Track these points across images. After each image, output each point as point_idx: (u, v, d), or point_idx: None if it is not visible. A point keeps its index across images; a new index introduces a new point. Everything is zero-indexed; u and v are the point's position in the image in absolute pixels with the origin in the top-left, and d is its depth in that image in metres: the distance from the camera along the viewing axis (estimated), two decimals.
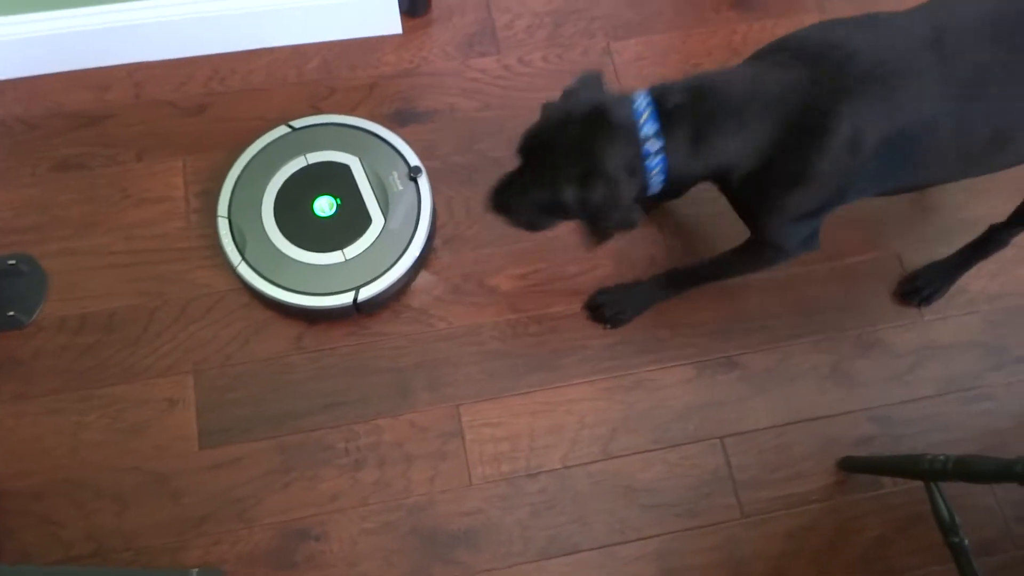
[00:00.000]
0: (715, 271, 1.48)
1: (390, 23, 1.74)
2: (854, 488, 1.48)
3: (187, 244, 1.56)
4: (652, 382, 1.52)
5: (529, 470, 1.46)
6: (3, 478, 1.40)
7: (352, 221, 1.50)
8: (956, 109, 1.09)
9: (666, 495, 1.45)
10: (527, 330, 1.54)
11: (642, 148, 1.11)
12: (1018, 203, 1.42)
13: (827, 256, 1.61)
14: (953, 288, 1.60)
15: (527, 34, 1.78)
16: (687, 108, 1.11)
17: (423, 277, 1.57)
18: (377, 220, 1.50)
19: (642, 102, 1.12)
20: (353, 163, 1.54)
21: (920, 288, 1.59)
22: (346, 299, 1.45)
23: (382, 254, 1.48)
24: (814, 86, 1.08)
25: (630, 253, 1.60)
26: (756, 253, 1.36)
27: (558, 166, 1.13)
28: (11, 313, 1.49)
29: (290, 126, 1.57)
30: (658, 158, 1.12)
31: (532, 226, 1.27)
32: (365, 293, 1.46)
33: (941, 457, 1.21)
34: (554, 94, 1.69)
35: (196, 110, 1.66)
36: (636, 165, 1.12)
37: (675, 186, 1.19)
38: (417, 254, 1.49)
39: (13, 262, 1.52)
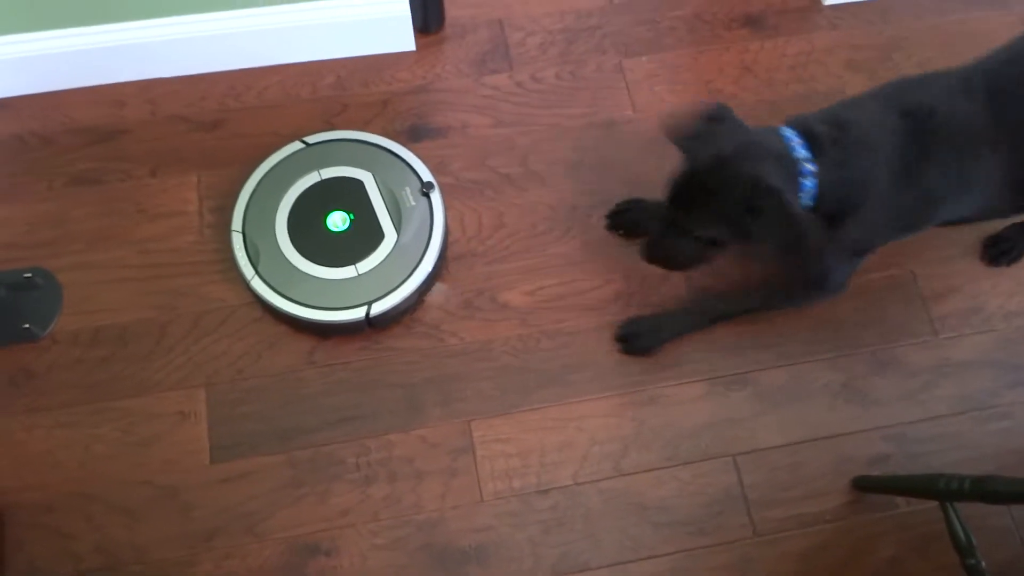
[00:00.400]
0: (752, 304, 1.52)
1: (404, 40, 1.75)
2: (868, 508, 1.46)
3: (200, 258, 1.57)
4: (664, 399, 1.51)
5: (540, 486, 1.45)
6: (14, 490, 1.40)
7: (365, 236, 1.50)
8: (1008, 157, 1.24)
9: (678, 513, 1.44)
10: (539, 346, 1.54)
11: (799, 167, 1.20)
12: None
13: None
14: (969, 305, 1.59)
15: (540, 51, 1.79)
16: (830, 138, 1.22)
17: (435, 292, 1.57)
18: (390, 235, 1.51)
19: (788, 131, 1.23)
20: (366, 178, 1.54)
21: (1007, 250, 1.60)
22: (358, 314, 1.46)
23: (394, 269, 1.49)
24: (909, 137, 1.23)
25: (641, 269, 1.60)
26: (797, 290, 1.47)
27: (725, 198, 1.19)
28: (26, 326, 1.50)
29: (304, 142, 1.58)
30: (811, 180, 1.21)
31: (691, 265, 1.37)
32: (377, 308, 1.46)
33: (957, 477, 1.20)
34: (566, 110, 1.72)
35: (211, 126, 1.68)
36: (795, 185, 1.20)
37: (814, 211, 1.25)
38: (429, 269, 1.49)
39: (29, 275, 1.53)
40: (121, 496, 1.41)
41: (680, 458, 1.48)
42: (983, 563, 1.20)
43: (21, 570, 1.36)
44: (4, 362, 1.49)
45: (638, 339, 1.52)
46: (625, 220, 1.62)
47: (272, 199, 1.53)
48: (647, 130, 1.72)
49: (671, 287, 1.59)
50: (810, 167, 1.21)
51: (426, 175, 1.55)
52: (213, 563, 1.38)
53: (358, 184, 1.54)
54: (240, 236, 1.49)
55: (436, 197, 1.54)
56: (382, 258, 1.49)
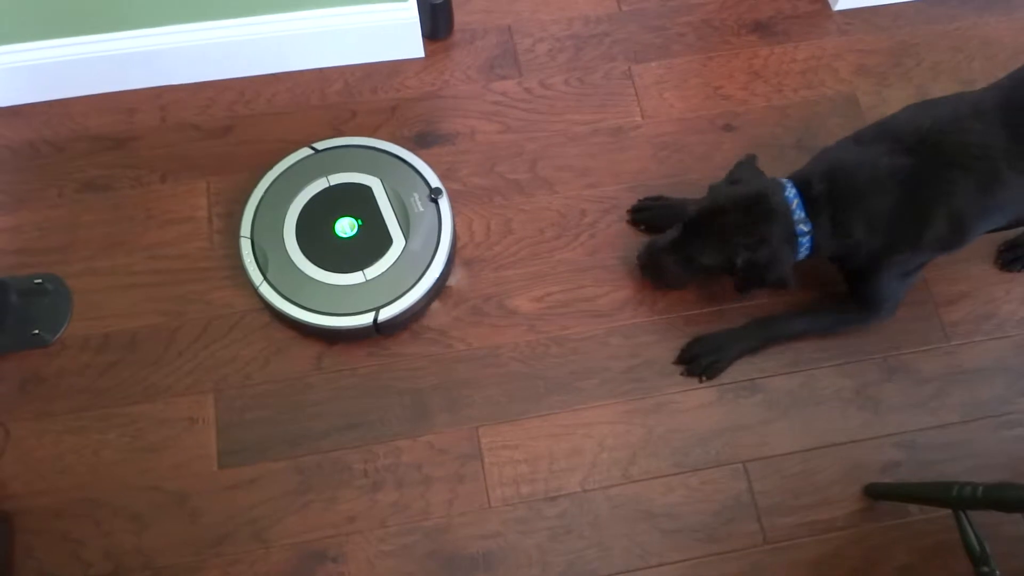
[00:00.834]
0: (811, 327, 1.55)
1: (412, 47, 1.76)
2: (880, 515, 1.45)
3: (209, 264, 1.57)
4: (673, 405, 1.50)
5: (548, 493, 1.44)
6: (23, 496, 1.41)
7: (373, 242, 1.51)
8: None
9: (687, 520, 1.43)
10: (547, 352, 1.53)
11: (795, 228, 1.37)
12: None
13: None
14: (981, 311, 1.58)
15: (548, 57, 1.79)
16: (826, 196, 1.36)
17: (442, 298, 1.57)
18: (398, 241, 1.51)
19: (791, 190, 1.38)
20: (375, 184, 1.55)
21: (1022, 255, 1.61)
22: (366, 320, 1.45)
23: (402, 275, 1.49)
24: (917, 172, 1.32)
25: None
26: (855, 314, 1.53)
27: (730, 235, 1.38)
28: (36, 331, 1.50)
29: (313, 148, 1.58)
30: (807, 237, 1.38)
31: (676, 285, 1.56)
32: (385, 314, 1.46)
33: (970, 485, 1.18)
34: (575, 116, 1.72)
35: (220, 132, 1.68)
36: (791, 240, 1.38)
37: (816, 258, 1.43)
38: (437, 275, 1.49)
39: (39, 281, 1.54)
40: (129, 502, 1.41)
41: (689, 465, 1.47)
42: (997, 572, 1.18)
43: (30, 575, 1.36)
44: (14, 367, 1.49)
45: (700, 360, 1.52)
46: (648, 216, 1.62)
47: (281, 205, 1.53)
48: (656, 136, 1.72)
49: (680, 293, 1.58)
50: (805, 228, 1.37)
51: (434, 181, 1.55)
52: (220, 569, 1.38)
53: (366, 190, 1.54)
54: (248, 242, 1.50)
55: (444, 203, 1.54)
56: (390, 264, 1.49)
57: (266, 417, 1.47)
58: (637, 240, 1.62)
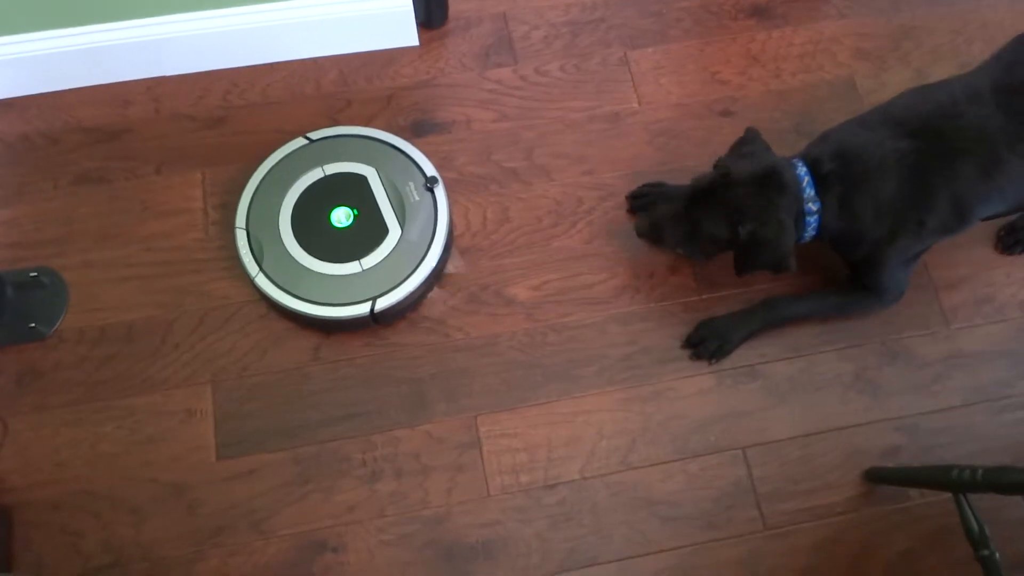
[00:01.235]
0: (818, 309, 1.54)
1: (407, 35, 1.75)
2: (881, 500, 1.44)
3: (205, 256, 1.57)
4: (672, 392, 1.50)
5: (547, 481, 1.44)
6: (21, 489, 1.41)
7: (369, 232, 1.50)
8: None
9: (686, 507, 1.43)
10: (545, 340, 1.53)
11: (804, 206, 1.36)
12: None
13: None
14: (981, 295, 1.57)
15: (544, 44, 1.78)
16: (836, 176, 1.35)
17: (439, 287, 1.56)
18: (394, 230, 1.50)
19: (801, 168, 1.37)
20: (370, 174, 1.54)
21: (1022, 239, 1.60)
22: (363, 309, 1.45)
23: (399, 264, 1.48)
24: (920, 157, 1.32)
25: (648, 262, 1.59)
26: (860, 299, 1.52)
27: (738, 206, 1.35)
28: (32, 325, 1.50)
29: (307, 138, 1.57)
30: (815, 217, 1.37)
31: (678, 247, 1.50)
32: (382, 303, 1.45)
33: (970, 468, 1.18)
34: (571, 103, 1.71)
35: (215, 123, 1.67)
36: (799, 219, 1.36)
37: (818, 240, 1.42)
38: (434, 264, 1.49)
39: (35, 274, 1.54)
40: (128, 494, 1.41)
41: (689, 451, 1.46)
42: (997, 554, 1.18)
43: (30, 568, 1.37)
44: (11, 361, 1.49)
45: (707, 343, 1.51)
46: (646, 203, 1.61)
47: (276, 196, 1.52)
48: (653, 122, 1.70)
49: (679, 279, 1.58)
50: (813, 207, 1.36)
51: (430, 170, 1.54)
52: (220, 560, 1.37)
53: (362, 180, 1.54)
54: (244, 233, 1.49)
55: (440, 192, 1.53)
56: (386, 253, 1.49)
57: (264, 408, 1.47)
58: (633, 228, 1.61)
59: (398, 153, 1.57)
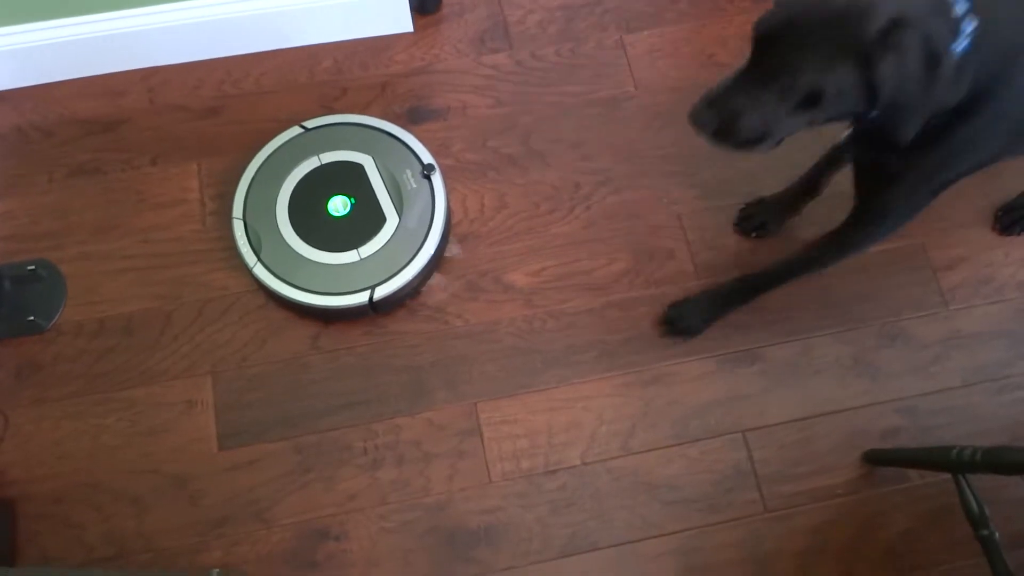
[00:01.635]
0: (795, 268, 1.40)
1: (401, 21, 1.74)
2: (880, 482, 1.45)
3: (203, 247, 1.57)
4: (671, 377, 1.50)
5: (548, 467, 1.44)
6: (24, 482, 1.41)
7: (367, 220, 1.49)
8: None
9: (687, 491, 1.43)
10: (544, 326, 1.53)
11: (956, 25, 0.89)
12: None
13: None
14: (980, 275, 1.57)
15: (539, 29, 1.77)
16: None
17: (438, 275, 1.56)
18: (392, 219, 1.50)
19: None
20: (367, 162, 1.53)
21: (1020, 218, 1.56)
22: (362, 298, 1.45)
23: (397, 253, 1.48)
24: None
25: (648, 246, 1.59)
26: (847, 238, 1.28)
27: (849, 32, 0.88)
28: (31, 318, 1.50)
29: (303, 127, 1.56)
30: (967, 40, 0.91)
31: (758, 136, 1.00)
32: (381, 292, 1.45)
33: (970, 448, 1.18)
34: (567, 88, 1.70)
35: (209, 113, 1.67)
36: (939, 42, 0.89)
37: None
38: (432, 252, 1.48)
39: (32, 268, 1.53)
40: (129, 486, 1.41)
41: (688, 436, 1.47)
42: (996, 534, 1.18)
43: (33, 560, 1.37)
44: (10, 354, 1.49)
45: (681, 320, 1.50)
46: (755, 223, 1.57)
47: (272, 185, 1.52)
48: (649, 106, 1.70)
49: (678, 264, 1.58)
50: (969, 25, 0.90)
51: (427, 157, 1.54)
52: (223, 550, 1.38)
53: (358, 168, 1.53)
54: (241, 223, 1.49)
55: (437, 179, 1.52)
56: (384, 242, 1.48)
57: (264, 398, 1.47)
58: (631, 213, 1.61)
59: (394, 141, 1.56)
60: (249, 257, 1.47)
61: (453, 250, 1.57)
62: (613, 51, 1.75)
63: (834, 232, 1.30)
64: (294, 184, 1.52)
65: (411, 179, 1.52)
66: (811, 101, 0.94)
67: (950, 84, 0.92)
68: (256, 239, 1.48)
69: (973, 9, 0.91)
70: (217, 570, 1.34)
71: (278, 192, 1.51)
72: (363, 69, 1.72)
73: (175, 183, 1.61)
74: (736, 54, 1.75)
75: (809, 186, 1.49)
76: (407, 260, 1.47)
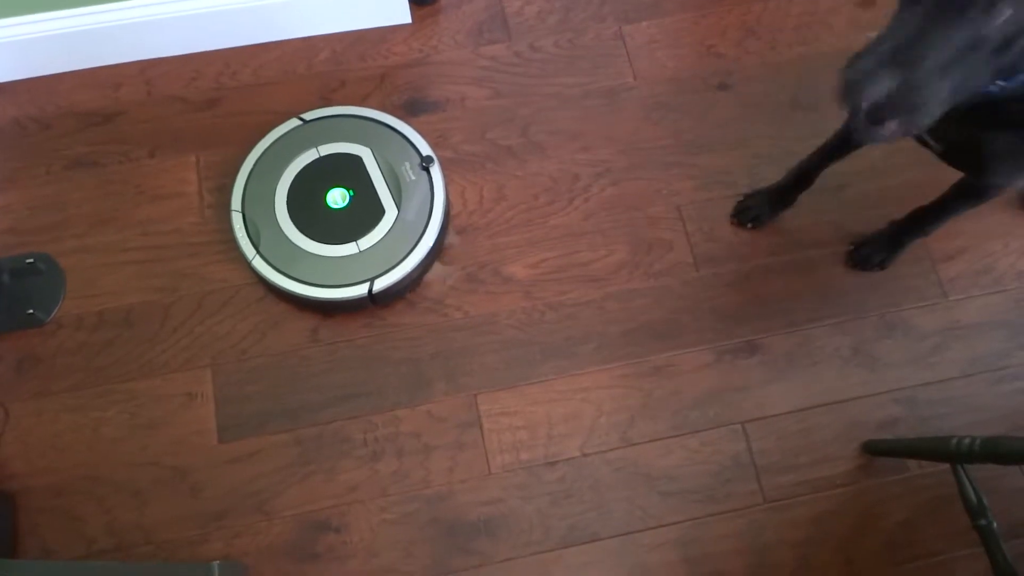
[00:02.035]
0: (951, 210, 1.40)
1: (399, 13, 1.73)
2: (879, 472, 1.45)
3: (202, 239, 1.56)
4: (670, 368, 1.50)
5: (548, 459, 1.45)
6: (24, 474, 1.41)
7: (365, 212, 1.49)
8: None
9: (686, 482, 1.44)
10: (543, 318, 1.53)
11: None
12: None
13: (847, 236, 1.58)
14: (979, 266, 1.57)
15: (538, 20, 1.76)
16: None
17: (437, 267, 1.56)
18: (390, 211, 1.49)
19: None
20: (365, 154, 1.53)
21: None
22: (361, 290, 1.45)
23: (396, 245, 1.48)
24: None
25: (647, 237, 1.58)
26: (980, 192, 1.27)
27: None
28: (30, 311, 1.50)
29: (301, 119, 1.56)
30: None
31: (957, 91, 0.79)
32: (380, 284, 1.45)
33: (968, 438, 1.19)
34: (566, 79, 1.70)
35: (207, 105, 1.66)
36: None
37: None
38: (431, 244, 1.48)
39: (31, 261, 1.53)
40: (130, 478, 1.42)
41: (688, 427, 1.47)
42: (995, 524, 1.19)
43: (34, 553, 1.37)
44: (10, 348, 1.49)
45: (876, 255, 1.54)
46: (751, 215, 1.58)
47: (271, 178, 1.51)
48: (649, 97, 1.69)
49: (677, 256, 1.58)
50: None
51: (425, 149, 1.54)
52: (223, 542, 1.38)
53: (357, 160, 1.53)
54: (240, 216, 1.49)
55: (436, 171, 1.52)
56: (383, 234, 1.48)
57: (264, 391, 1.47)
58: (630, 204, 1.61)
59: (393, 133, 1.56)
60: (248, 250, 1.47)
61: (452, 240, 1.57)
62: (612, 42, 1.75)
63: (968, 183, 1.28)
64: (292, 176, 1.52)
65: (410, 171, 1.52)
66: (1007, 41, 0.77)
67: None
68: (255, 232, 1.47)
69: None
70: (218, 562, 1.34)
71: (276, 184, 1.51)
72: (361, 60, 1.71)
73: (173, 175, 1.61)
74: (734, 45, 1.74)
75: (803, 178, 1.50)
76: (406, 252, 1.47)
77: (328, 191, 1.50)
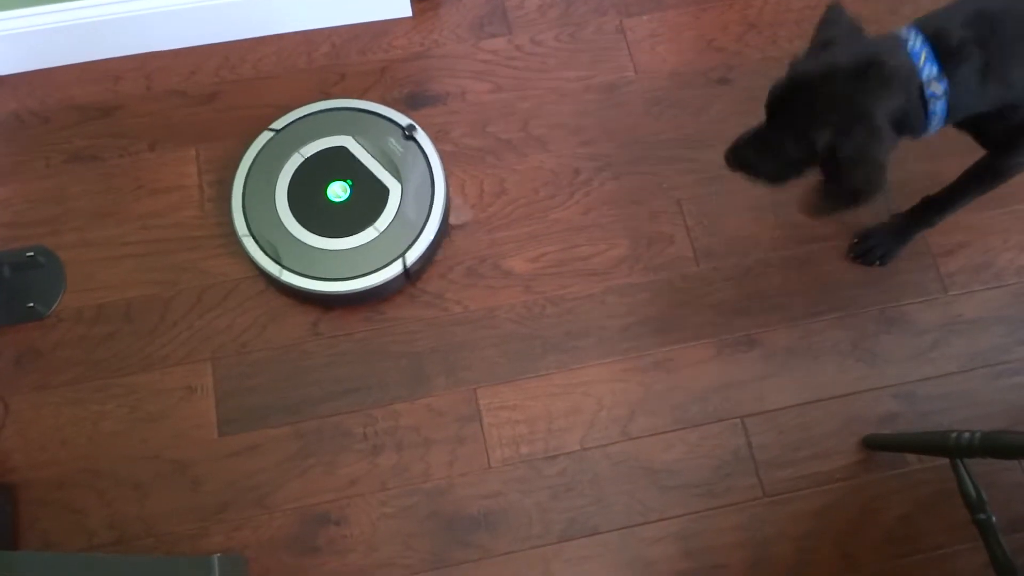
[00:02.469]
0: (964, 195, 1.41)
1: (400, 6, 1.72)
2: (878, 466, 1.45)
3: (201, 233, 1.56)
4: (670, 362, 1.50)
5: (548, 452, 1.45)
6: (25, 468, 1.41)
7: (370, 195, 1.49)
8: None
9: (686, 476, 1.44)
10: (543, 312, 1.53)
11: (926, 91, 1.07)
12: None
13: (848, 231, 1.58)
14: (979, 261, 1.57)
15: (539, 14, 1.76)
16: (973, 42, 1.08)
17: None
18: (393, 186, 1.49)
19: (915, 41, 1.09)
20: (348, 142, 1.52)
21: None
22: (396, 269, 1.45)
23: (412, 216, 1.48)
24: None
25: (648, 232, 1.58)
26: (999, 172, 1.33)
27: (817, 114, 1.09)
28: (31, 305, 1.50)
29: (272, 129, 1.53)
30: (941, 100, 1.09)
31: (774, 180, 1.24)
32: (412, 256, 1.45)
33: (967, 433, 1.19)
34: (567, 73, 1.69)
35: (207, 99, 1.66)
36: (907, 116, 1.08)
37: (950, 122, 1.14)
38: (443, 202, 1.48)
39: (31, 254, 1.53)
40: (130, 471, 1.42)
41: (688, 421, 1.47)
42: (994, 518, 1.19)
43: (35, 546, 1.38)
44: (10, 341, 1.49)
45: (879, 247, 1.54)
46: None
47: (265, 194, 1.49)
48: (649, 91, 1.69)
49: (677, 250, 1.57)
50: (939, 89, 1.08)
51: (403, 120, 1.53)
52: (224, 535, 1.39)
53: (342, 151, 1.52)
54: (252, 240, 1.45)
55: (422, 135, 1.52)
56: (395, 210, 1.48)
57: (264, 384, 1.47)
58: (631, 199, 1.61)
59: (366, 115, 1.55)
60: (272, 268, 1.44)
61: (457, 202, 1.57)
62: (613, 36, 1.74)
63: (987, 164, 1.33)
64: (286, 185, 1.50)
65: (396, 144, 1.52)
66: (799, 163, 1.17)
67: (880, 155, 1.08)
68: (273, 250, 1.46)
69: (948, 69, 1.08)
70: (219, 555, 1.34)
71: (274, 198, 1.49)
72: (362, 54, 1.71)
73: (173, 169, 1.61)
74: (735, 39, 1.74)
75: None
76: (424, 218, 1.48)
77: (327, 188, 1.50)
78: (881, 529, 1.42)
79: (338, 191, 1.50)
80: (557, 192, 1.61)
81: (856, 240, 1.56)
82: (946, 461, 1.27)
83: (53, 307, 1.51)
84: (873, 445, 1.45)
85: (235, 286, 1.53)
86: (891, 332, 1.53)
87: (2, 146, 1.62)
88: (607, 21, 1.76)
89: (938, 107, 1.10)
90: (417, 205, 1.48)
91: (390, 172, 1.49)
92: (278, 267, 1.45)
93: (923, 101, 1.09)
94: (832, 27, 1.16)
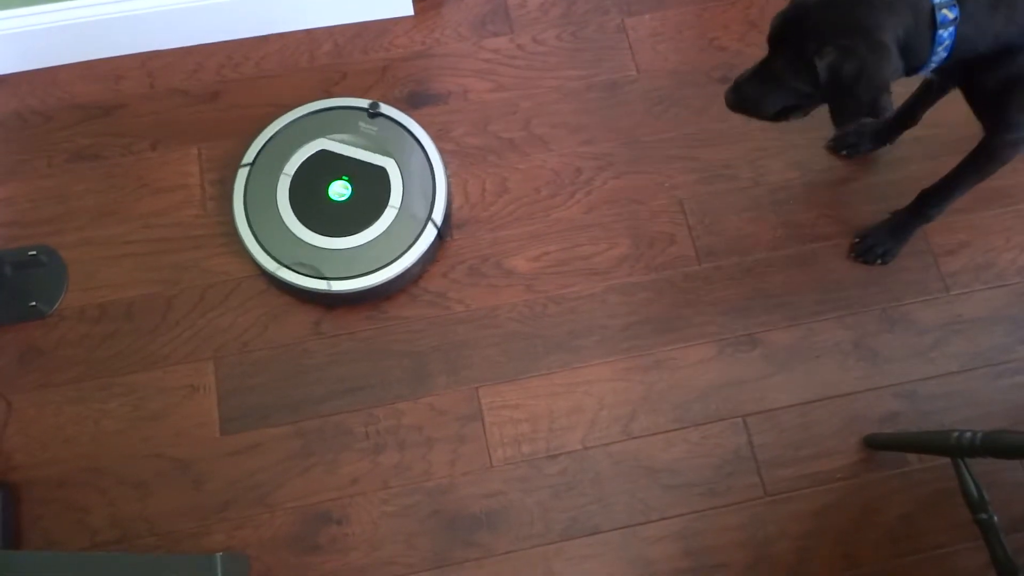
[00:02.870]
0: (959, 183, 1.42)
1: (401, 5, 1.72)
2: (880, 466, 1.45)
3: (204, 232, 1.56)
4: (672, 361, 1.50)
5: (549, 452, 1.45)
6: (28, 466, 1.42)
7: (373, 181, 1.51)
8: None
9: (688, 475, 1.44)
10: (545, 311, 1.53)
11: (937, 15, 1.05)
12: None
13: (849, 230, 1.58)
14: (980, 260, 1.57)
15: (540, 12, 1.76)
16: None
17: (440, 257, 1.56)
18: (389, 164, 1.51)
19: None
20: (323, 144, 1.53)
21: None
22: (431, 233, 1.48)
23: (420, 181, 1.51)
24: None
25: (649, 231, 1.59)
26: (992, 149, 1.32)
27: (820, 36, 1.06)
28: (33, 303, 1.50)
29: (246, 165, 1.52)
30: (951, 28, 1.06)
31: (777, 115, 1.22)
32: (438, 215, 1.49)
33: (968, 433, 1.19)
34: (568, 72, 1.69)
35: (209, 98, 1.66)
36: (914, 40, 1.06)
37: (952, 64, 1.12)
38: (440, 161, 1.52)
39: (34, 253, 1.53)
40: (133, 470, 1.42)
41: (689, 420, 1.47)
42: (995, 517, 1.19)
43: (38, 545, 1.38)
44: (13, 340, 1.49)
45: (878, 246, 1.54)
46: (848, 142, 1.61)
47: (272, 220, 1.49)
48: (651, 90, 1.69)
49: (679, 248, 1.58)
50: (951, 14, 1.05)
51: (360, 103, 1.55)
52: (225, 533, 1.39)
53: (322, 153, 1.52)
54: (288, 271, 1.45)
55: (388, 108, 1.55)
56: (402, 182, 1.50)
57: (266, 383, 1.48)
58: (632, 198, 1.61)
59: (327, 112, 1.56)
60: (321, 284, 1.45)
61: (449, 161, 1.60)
62: (615, 35, 1.74)
63: (981, 146, 1.33)
64: (287, 205, 1.50)
65: (368, 126, 1.54)
66: (802, 93, 1.16)
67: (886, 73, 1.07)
68: (314, 270, 1.46)
69: None
70: (221, 554, 1.34)
71: (282, 221, 1.49)
72: (363, 53, 1.71)
73: (175, 168, 1.61)
74: (737, 38, 1.74)
75: (906, 116, 1.53)
76: (433, 179, 1.51)
77: (327, 192, 1.50)
78: (882, 528, 1.43)
79: (340, 189, 1.50)
80: (559, 191, 1.61)
81: (857, 239, 1.57)
82: (947, 461, 1.28)
83: (55, 306, 1.51)
84: (874, 444, 1.45)
85: (237, 285, 1.53)
86: (892, 331, 1.53)
87: (4, 145, 1.62)
88: (609, 20, 1.76)
89: (946, 34, 1.07)
90: (422, 170, 1.51)
91: (377, 152, 1.51)
92: (325, 282, 1.45)
93: (931, 27, 1.06)
94: None
